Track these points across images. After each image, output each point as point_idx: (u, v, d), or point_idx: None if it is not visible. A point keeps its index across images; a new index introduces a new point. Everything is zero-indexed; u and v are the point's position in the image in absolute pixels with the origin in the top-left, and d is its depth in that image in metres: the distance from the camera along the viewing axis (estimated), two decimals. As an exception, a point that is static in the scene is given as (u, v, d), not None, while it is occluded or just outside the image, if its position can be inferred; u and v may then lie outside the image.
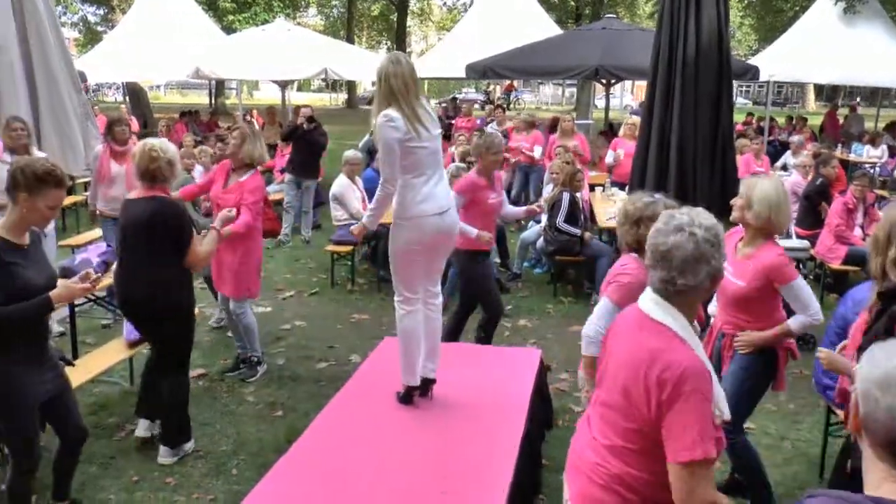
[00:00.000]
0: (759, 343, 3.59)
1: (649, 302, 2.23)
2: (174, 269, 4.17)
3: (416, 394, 4.11)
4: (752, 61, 15.54)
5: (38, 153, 6.06)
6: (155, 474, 4.23)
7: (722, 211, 6.81)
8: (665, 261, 2.14)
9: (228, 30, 23.91)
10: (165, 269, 4.13)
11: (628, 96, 41.29)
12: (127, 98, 20.55)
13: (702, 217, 2.19)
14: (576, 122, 11.53)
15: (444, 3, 46.42)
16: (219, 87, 29.65)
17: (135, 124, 15.92)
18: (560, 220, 7.45)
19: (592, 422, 2.36)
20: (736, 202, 3.64)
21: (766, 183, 3.58)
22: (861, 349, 2.88)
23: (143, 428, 4.55)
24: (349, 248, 7.95)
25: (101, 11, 32.01)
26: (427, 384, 4.12)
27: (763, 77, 13.63)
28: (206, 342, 6.20)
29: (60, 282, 3.41)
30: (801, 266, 7.84)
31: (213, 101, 28.10)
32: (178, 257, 4.16)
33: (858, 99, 28.05)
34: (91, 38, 32.31)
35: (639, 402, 2.12)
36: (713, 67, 6.05)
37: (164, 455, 4.39)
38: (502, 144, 5.50)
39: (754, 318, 3.61)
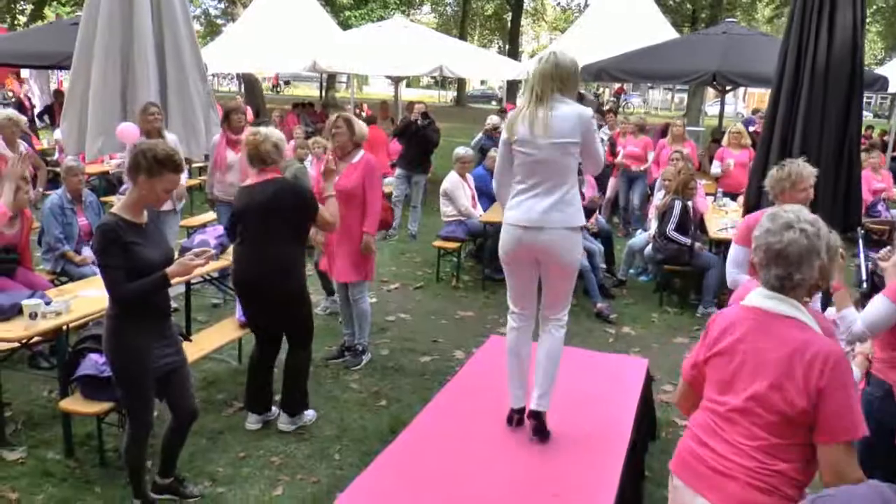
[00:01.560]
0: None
1: (768, 300, 2.29)
2: (294, 251, 4.37)
3: (514, 417, 3.86)
4: (879, 71, 14.76)
5: (169, 136, 6.37)
6: (260, 452, 4.36)
7: (845, 228, 6.54)
8: (781, 258, 2.23)
9: (344, 25, 24.47)
10: (285, 252, 4.32)
11: (740, 104, 40.04)
12: (242, 88, 21.28)
13: (803, 213, 2.29)
14: (687, 128, 11.23)
15: (559, 3, 46.12)
16: (329, 81, 30.35)
17: (250, 114, 16.54)
18: (670, 229, 7.27)
19: (724, 428, 2.33)
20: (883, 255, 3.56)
21: None
22: None
23: (253, 421, 4.68)
24: (456, 244, 8.00)
25: (222, 5, 33.38)
26: (530, 415, 3.78)
27: (892, 88, 12.93)
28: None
29: (177, 258, 3.56)
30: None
31: (323, 94, 28.78)
32: (297, 240, 4.36)
33: None
34: (211, 30, 33.75)
35: (795, 396, 2.16)
36: (844, 77, 5.76)
37: (283, 422, 4.61)
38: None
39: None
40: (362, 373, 5.56)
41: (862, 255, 7.19)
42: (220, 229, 5.89)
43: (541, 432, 3.71)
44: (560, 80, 3.48)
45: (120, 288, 3.30)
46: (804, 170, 3.95)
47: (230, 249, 5.01)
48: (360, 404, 5.07)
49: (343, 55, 13.66)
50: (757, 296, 2.33)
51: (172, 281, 3.44)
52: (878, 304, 3.07)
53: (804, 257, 2.22)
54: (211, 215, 7.86)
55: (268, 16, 17.45)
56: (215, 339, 5.16)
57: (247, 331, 5.11)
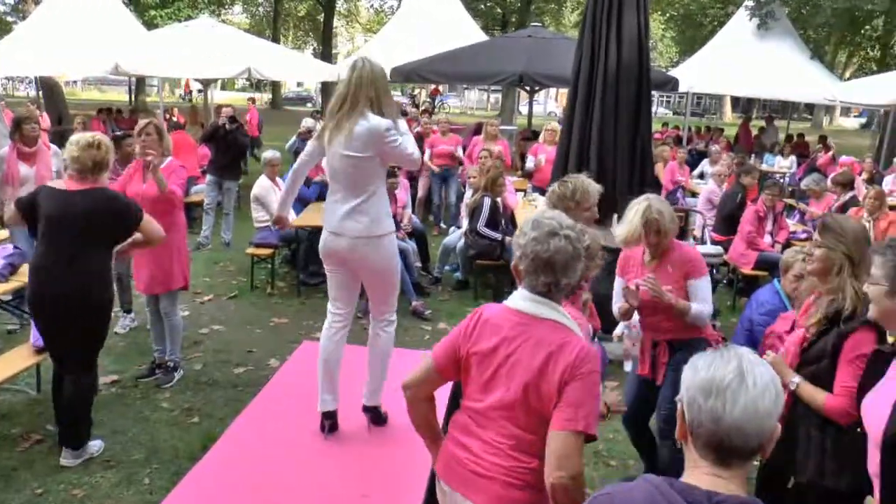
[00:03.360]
0: (665, 300, 3.65)
1: (532, 304, 2.33)
2: (105, 261, 4.16)
3: (325, 424, 3.95)
4: (673, 73, 16.05)
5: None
6: (61, 486, 4.05)
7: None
8: (549, 265, 2.28)
9: (150, 25, 23.27)
10: (97, 262, 4.10)
11: (552, 103, 42.11)
12: (40, 93, 19.77)
13: (564, 219, 2.37)
14: (500, 127, 11.66)
15: (372, 6, 46.35)
16: (139, 85, 28.83)
17: (45, 121, 15.35)
18: (481, 225, 7.53)
19: (482, 428, 2.35)
20: (617, 231, 3.87)
21: (637, 204, 3.81)
22: (802, 365, 2.99)
23: (68, 456, 4.33)
24: (270, 250, 7.84)
25: (12, 0, 30.74)
26: (364, 409, 4.04)
27: (682, 88, 14.07)
28: (120, 347, 6.02)
29: None
30: (714, 271, 8.13)
31: (132, 99, 27.29)
32: (110, 251, 4.17)
33: (773, 114, 29.26)
34: (0, 28, 30.96)
35: (550, 394, 2.21)
36: (633, 77, 6.20)
37: (67, 457, 4.26)
38: None
39: (678, 321, 3.73)
40: (174, 390, 5.33)
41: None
42: (10, 248, 5.44)
43: (378, 422, 4.00)
44: (373, 88, 3.58)
45: None
46: (589, 187, 3.96)
47: (23, 268, 4.65)
48: (171, 423, 4.85)
49: (148, 57, 12.99)
50: (521, 299, 2.36)
51: None
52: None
53: (570, 264, 2.29)
54: (2, 233, 7.23)
55: (64, 13, 16.18)
56: (7, 367, 4.70)
57: (43, 356, 4.74)
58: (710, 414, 1.52)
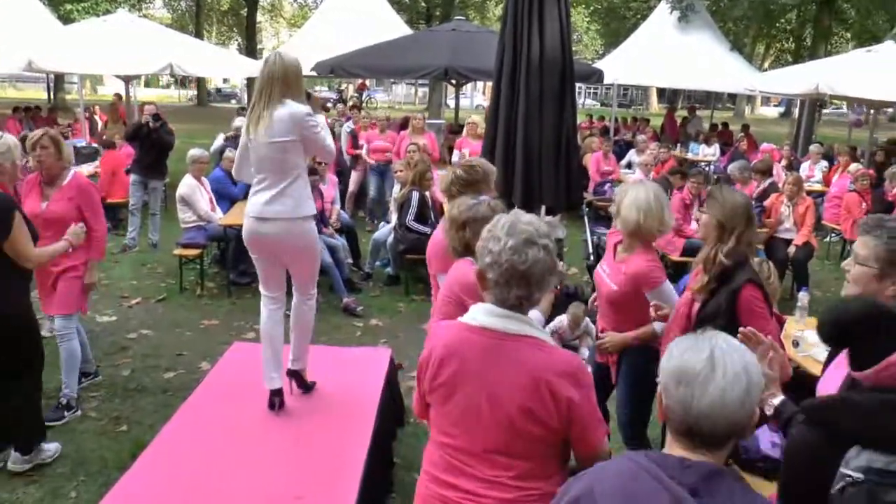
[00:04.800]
0: (620, 344, 3.65)
1: (502, 319, 2.13)
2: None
3: (275, 401, 4.06)
4: (598, 65, 16.29)
5: None
6: (-22, 504, 3.90)
7: (568, 208, 7.12)
8: (525, 278, 2.08)
9: (66, 19, 22.46)
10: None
11: (480, 96, 42.31)
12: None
13: (539, 224, 2.15)
14: (427, 121, 11.65)
15: (295, 0, 45.75)
16: (58, 82, 27.83)
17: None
18: (409, 219, 7.52)
19: (471, 464, 2.16)
20: (612, 209, 3.69)
21: (636, 189, 3.60)
22: (701, 324, 3.02)
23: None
24: (198, 251, 7.67)
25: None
26: (289, 373, 4.20)
27: (608, 80, 14.28)
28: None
29: None
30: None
31: (51, 97, 26.32)
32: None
33: (697, 105, 30.08)
34: None
35: (547, 416, 2.08)
36: (556, 69, 6.24)
37: (16, 461, 4.16)
38: None
39: (628, 320, 3.65)
40: (101, 398, 5.17)
41: (588, 231, 7.95)
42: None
43: (303, 387, 4.19)
44: (284, 81, 3.69)
45: None
46: (493, 170, 3.91)
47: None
48: (98, 433, 4.70)
49: (64, 53, 12.55)
50: (487, 314, 2.15)
51: None
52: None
53: (545, 277, 2.11)
54: None
55: (-31, 7, 15.54)
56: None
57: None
58: (680, 401, 1.55)
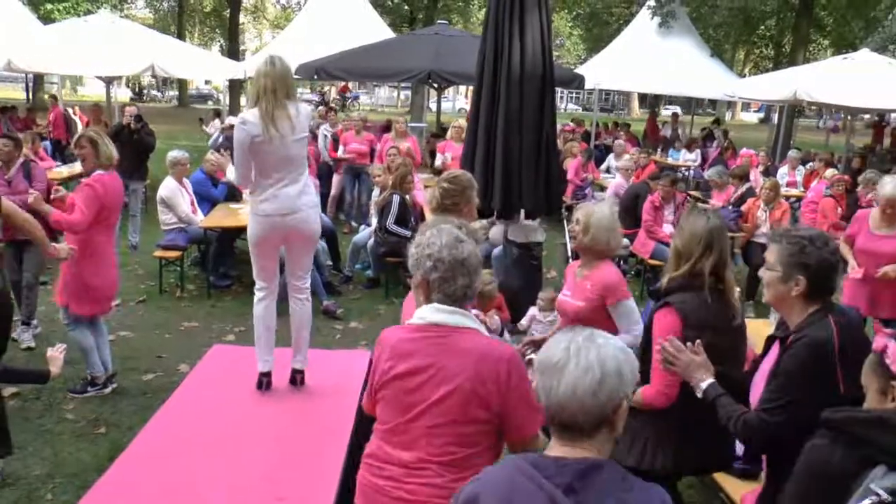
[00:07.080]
0: None
1: (448, 315, 2.33)
2: None
3: (263, 381, 4.29)
4: (580, 70, 16.40)
5: None
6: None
7: (548, 212, 7.15)
8: (465, 266, 2.32)
9: (46, 19, 22.29)
10: None
11: (462, 100, 42.39)
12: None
13: (454, 228, 2.44)
14: (409, 125, 11.68)
15: (278, 1, 45.64)
16: (37, 82, 27.59)
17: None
18: (390, 222, 7.55)
19: (405, 447, 2.30)
20: (574, 229, 3.69)
21: (601, 209, 3.68)
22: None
23: None
24: (178, 253, 7.65)
25: None
26: (293, 371, 4.40)
27: (589, 85, 14.38)
28: (18, 358, 5.77)
29: None
30: (622, 262, 8.39)
31: (30, 97, 26.08)
32: None
33: (679, 109, 30.29)
34: None
35: (488, 401, 2.24)
36: (537, 74, 6.28)
37: None
38: None
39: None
40: (79, 400, 5.16)
41: (567, 235, 8.00)
42: None
43: (301, 382, 4.39)
44: (287, 82, 3.92)
45: None
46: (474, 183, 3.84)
47: None
48: (76, 435, 4.70)
49: (44, 53, 12.45)
50: (434, 312, 2.34)
51: None
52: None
53: (477, 267, 2.36)
54: None
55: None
56: None
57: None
58: (544, 391, 1.65)
